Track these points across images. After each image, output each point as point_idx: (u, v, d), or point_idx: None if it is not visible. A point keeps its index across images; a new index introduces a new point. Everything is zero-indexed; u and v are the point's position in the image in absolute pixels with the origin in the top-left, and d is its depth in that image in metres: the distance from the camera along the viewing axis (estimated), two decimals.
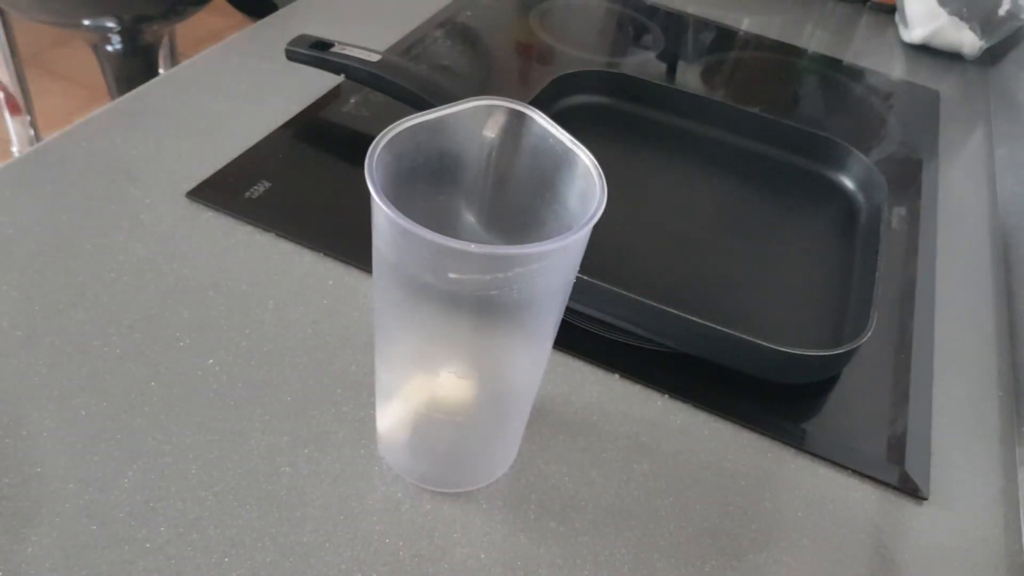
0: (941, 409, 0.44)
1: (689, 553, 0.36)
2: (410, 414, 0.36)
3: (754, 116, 0.61)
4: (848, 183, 0.58)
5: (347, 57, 0.54)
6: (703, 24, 0.80)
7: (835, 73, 0.75)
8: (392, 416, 0.36)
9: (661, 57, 0.73)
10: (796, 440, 0.41)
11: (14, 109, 1.22)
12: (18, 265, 0.43)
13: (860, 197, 0.57)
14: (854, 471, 0.40)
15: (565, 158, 0.30)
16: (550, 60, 0.70)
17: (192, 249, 0.45)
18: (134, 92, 0.57)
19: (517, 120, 0.31)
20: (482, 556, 0.34)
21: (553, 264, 0.27)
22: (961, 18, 0.79)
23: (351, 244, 0.47)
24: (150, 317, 0.41)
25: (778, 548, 0.37)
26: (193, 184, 0.49)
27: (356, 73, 0.54)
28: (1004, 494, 0.41)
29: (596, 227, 0.27)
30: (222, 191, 0.49)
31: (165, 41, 1.34)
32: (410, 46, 0.67)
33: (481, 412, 0.36)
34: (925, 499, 0.40)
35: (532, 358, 0.33)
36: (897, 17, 0.85)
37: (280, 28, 0.67)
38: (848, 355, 0.42)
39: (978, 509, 0.40)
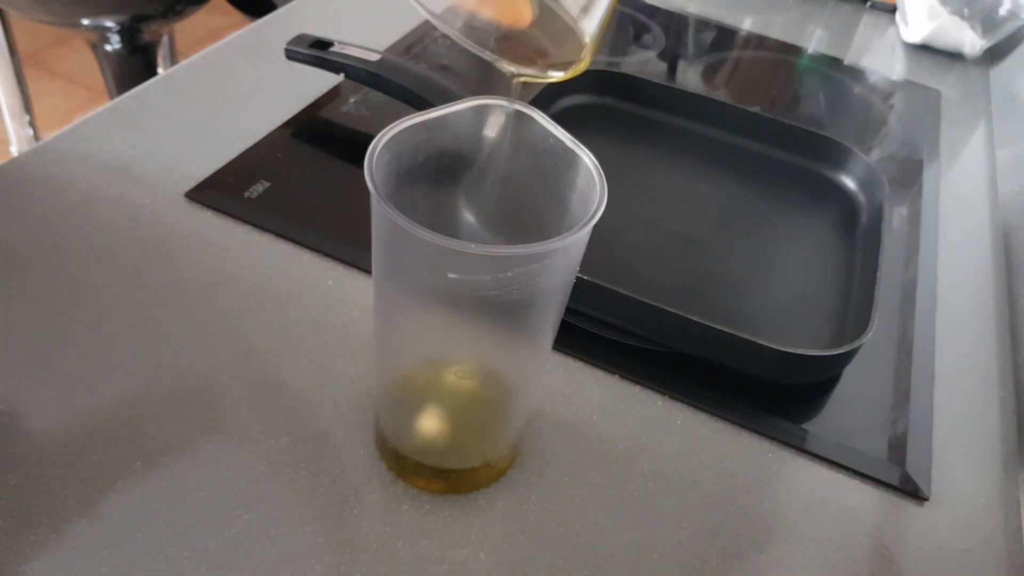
0: (942, 409, 0.44)
1: (689, 554, 0.36)
2: (410, 414, 0.36)
3: (754, 116, 0.60)
4: (849, 183, 0.58)
5: (347, 56, 0.54)
6: (703, 24, 0.80)
7: (836, 73, 0.75)
8: (392, 416, 0.36)
9: (661, 57, 0.73)
10: (797, 440, 0.41)
11: None
12: (18, 265, 0.43)
13: (861, 197, 0.57)
14: (855, 472, 0.40)
15: (565, 158, 0.30)
16: None
17: (191, 249, 0.45)
18: (133, 92, 0.56)
19: (517, 120, 0.31)
20: (482, 556, 0.34)
21: (553, 264, 0.27)
22: (962, 17, 0.79)
23: (351, 244, 0.47)
24: (149, 317, 0.41)
25: (779, 549, 0.36)
26: (192, 184, 0.49)
27: (356, 73, 0.54)
28: (1005, 494, 0.41)
29: (596, 227, 0.27)
30: (221, 191, 0.49)
31: (164, 40, 1.34)
32: (410, 45, 0.67)
33: (481, 412, 0.36)
34: (926, 499, 0.40)
35: (532, 358, 0.33)
36: (898, 17, 0.85)
37: (279, 27, 0.67)
38: (849, 355, 0.42)
39: (979, 509, 0.40)
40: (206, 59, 0.61)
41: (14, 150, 1.36)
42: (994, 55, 0.82)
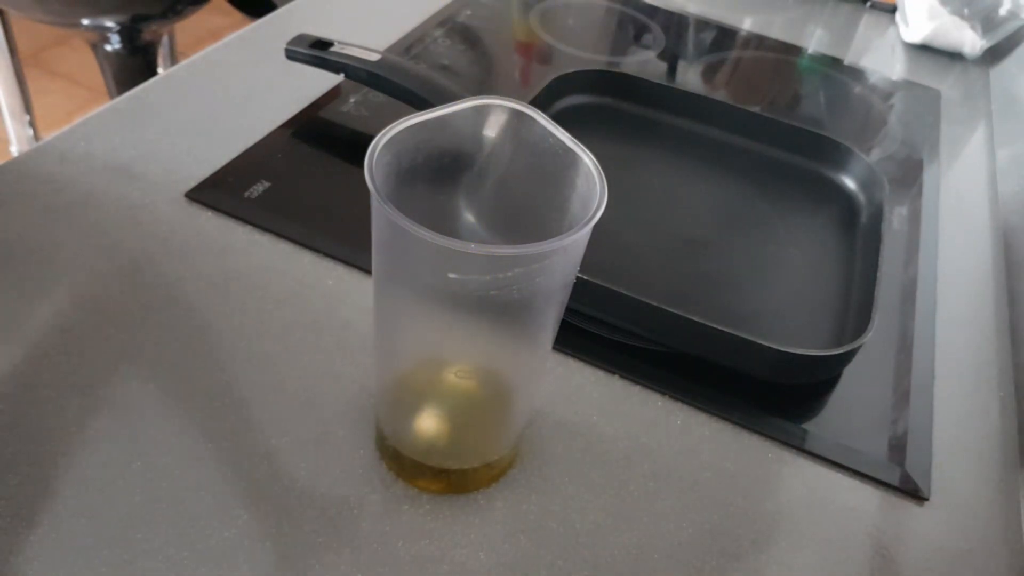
0: (942, 409, 0.44)
1: (689, 554, 0.36)
2: (410, 414, 0.36)
3: (754, 116, 0.60)
4: (849, 183, 0.58)
5: (347, 56, 0.54)
6: (703, 23, 0.80)
7: (836, 73, 0.75)
8: (392, 416, 0.36)
9: (661, 57, 0.73)
10: (797, 440, 0.41)
11: None
12: (17, 265, 0.43)
13: (861, 197, 0.57)
14: (855, 471, 0.40)
15: (565, 158, 0.30)
16: (550, 60, 0.70)
17: (192, 249, 0.45)
18: (133, 92, 0.56)
19: (517, 120, 0.31)
20: (482, 556, 0.34)
21: (553, 264, 0.27)
22: (962, 17, 0.79)
23: (351, 244, 0.47)
24: (149, 317, 0.41)
25: (779, 549, 0.36)
26: (192, 184, 0.49)
27: (356, 73, 0.54)
28: (1005, 494, 0.41)
29: (596, 227, 0.27)
30: (221, 191, 0.49)
31: (164, 40, 1.34)
32: (410, 46, 0.67)
33: (481, 412, 0.36)
34: (926, 499, 0.40)
35: (532, 358, 0.33)
36: (898, 17, 0.85)
37: (279, 27, 0.67)
38: (849, 355, 0.42)
39: (979, 509, 0.40)
40: (206, 59, 0.61)
41: (14, 150, 1.36)
42: (994, 55, 0.82)
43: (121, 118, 0.54)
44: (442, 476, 0.36)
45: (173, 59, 1.39)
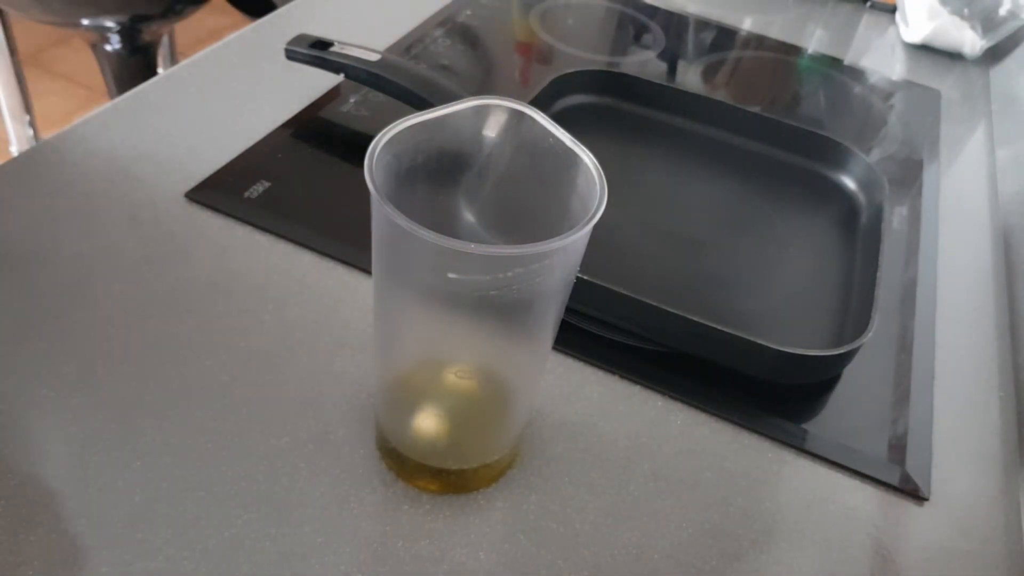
0: (942, 409, 0.44)
1: (690, 554, 0.36)
2: (410, 414, 0.36)
3: (754, 116, 0.60)
4: (849, 183, 0.58)
5: (346, 56, 0.54)
6: (703, 23, 0.80)
7: (836, 73, 0.75)
8: (392, 416, 0.36)
9: (661, 57, 0.73)
10: (797, 440, 0.41)
11: None
12: (17, 265, 0.43)
13: (861, 197, 0.57)
14: (855, 471, 0.40)
15: (565, 158, 0.30)
16: (550, 60, 0.70)
17: (191, 249, 0.45)
18: (133, 92, 0.56)
19: (517, 120, 0.31)
20: (481, 556, 0.34)
21: (553, 264, 0.27)
22: (962, 17, 0.79)
23: (351, 244, 0.47)
24: (149, 317, 0.41)
25: (779, 549, 0.36)
26: (192, 184, 0.49)
27: (356, 73, 0.54)
28: (1005, 494, 0.41)
29: (596, 227, 0.27)
30: (221, 191, 0.49)
31: (164, 40, 1.34)
32: (410, 46, 0.67)
33: (481, 412, 0.36)
34: (926, 499, 0.40)
35: (532, 358, 0.33)
36: (898, 17, 0.85)
37: (279, 27, 0.67)
38: (849, 355, 0.42)
39: (979, 509, 0.40)
40: (206, 59, 0.61)
41: (14, 150, 1.36)
42: (994, 55, 0.82)
43: (121, 118, 0.54)
44: (442, 476, 0.36)
45: (173, 59, 1.39)
